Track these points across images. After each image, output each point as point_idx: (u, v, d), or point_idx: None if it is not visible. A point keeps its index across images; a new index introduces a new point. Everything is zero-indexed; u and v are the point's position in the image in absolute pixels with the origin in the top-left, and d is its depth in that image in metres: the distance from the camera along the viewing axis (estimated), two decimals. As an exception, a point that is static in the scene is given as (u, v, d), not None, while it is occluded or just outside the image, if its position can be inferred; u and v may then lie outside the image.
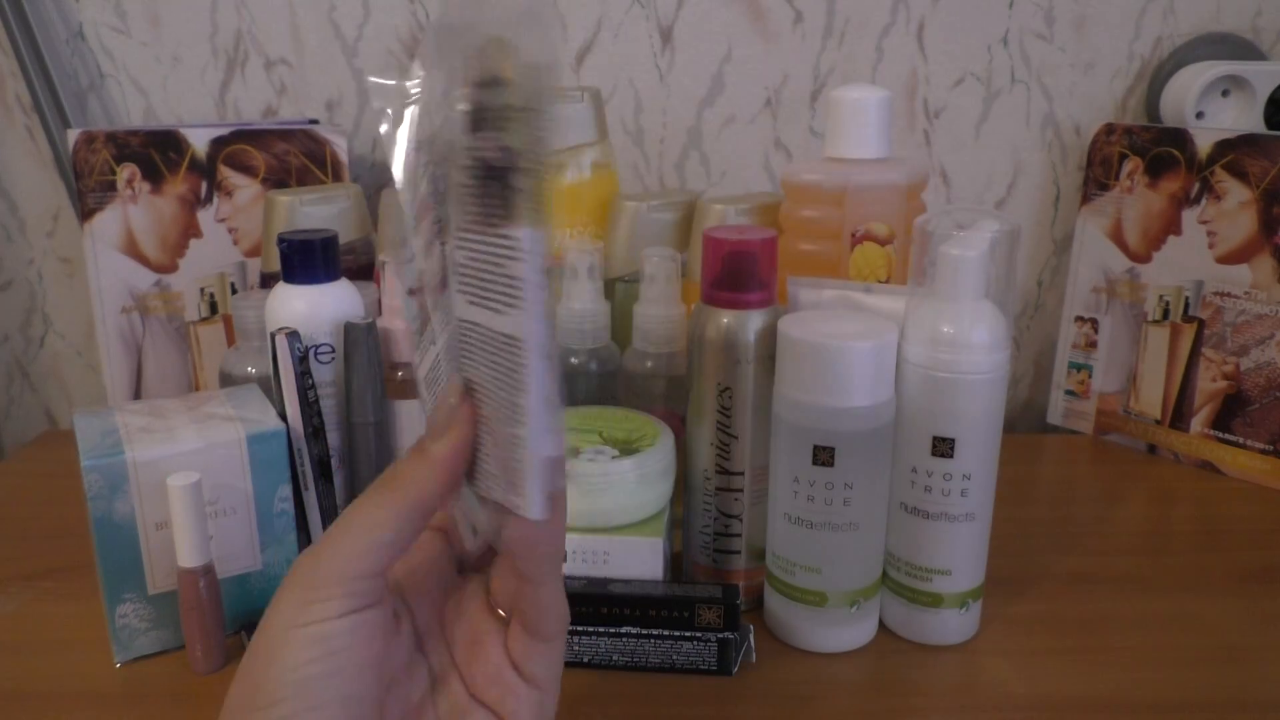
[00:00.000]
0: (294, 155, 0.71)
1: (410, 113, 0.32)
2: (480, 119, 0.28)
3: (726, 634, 0.47)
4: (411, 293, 0.33)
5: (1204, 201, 0.70)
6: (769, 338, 0.48)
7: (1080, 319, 0.78)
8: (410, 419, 0.54)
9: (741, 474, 0.51)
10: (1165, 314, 0.73)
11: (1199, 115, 0.74)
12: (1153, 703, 0.46)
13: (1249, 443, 0.69)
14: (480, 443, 0.31)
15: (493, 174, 0.28)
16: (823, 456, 0.46)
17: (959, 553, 0.48)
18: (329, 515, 0.51)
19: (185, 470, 0.45)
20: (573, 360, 0.56)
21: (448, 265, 0.31)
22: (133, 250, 0.71)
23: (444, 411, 0.31)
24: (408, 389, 0.54)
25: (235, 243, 0.72)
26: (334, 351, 0.52)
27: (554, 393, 0.29)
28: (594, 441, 0.51)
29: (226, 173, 0.71)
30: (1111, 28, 0.77)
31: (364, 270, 0.65)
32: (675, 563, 0.55)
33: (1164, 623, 0.52)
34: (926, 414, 0.47)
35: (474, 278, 0.29)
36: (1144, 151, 0.73)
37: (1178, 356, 0.72)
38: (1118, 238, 0.75)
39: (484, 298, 0.29)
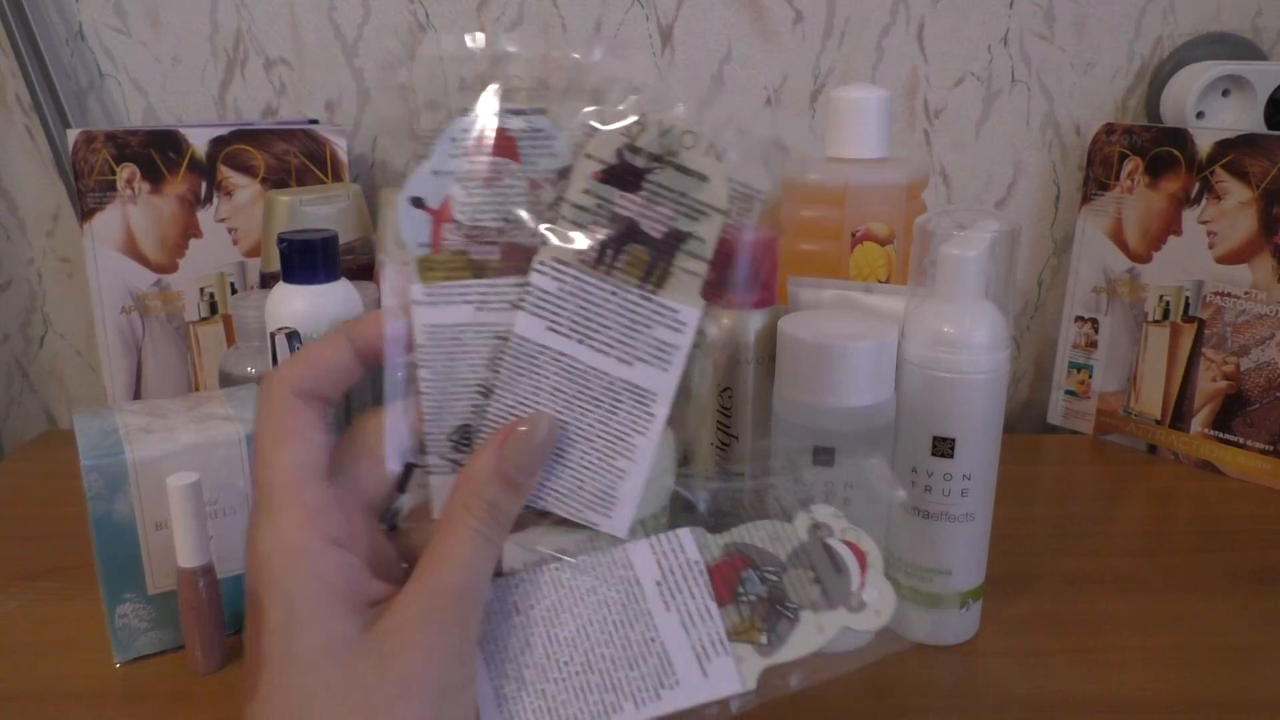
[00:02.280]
0: (294, 155, 0.71)
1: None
2: (676, 200, 0.32)
3: (727, 634, 0.47)
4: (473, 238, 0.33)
5: (1204, 201, 0.70)
6: (769, 338, 0.48)
7: (1080, 319, 0.78)
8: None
9: (741, 474, 0.50)
10: (1165, 314, 0.73)
11: (1199, 115, 0.74)
12: (1153, 703, 0.46)
13: (1249, 443, 0.69)
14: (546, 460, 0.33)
15: (662, 245, 0.32)
16: (823, 456, 0.46)
17: (959, 553, 0.48)
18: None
19: (185, 470, 0.45)
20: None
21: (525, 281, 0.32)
22: (132, 250, 0.71)
23: (539, 437, 0.32)
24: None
25: (235, 243, 0.72)
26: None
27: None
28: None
29: (226, 172, 0.71)
30: (1112, 28, 0.77)
31: (364, 270, 0.65)
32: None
33: (1164, 623, 0.52)
34: (926, 414, 0.47)
35: (585, 318, 0.32)
36: (1144, 151, 0.73)
37: (1178, 356, 0.72)
38: (1118, 238, 0.75)
39: (607, 344, 0.32)
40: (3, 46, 0.75)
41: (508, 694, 0.32)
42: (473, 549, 0.30)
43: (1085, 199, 0.77)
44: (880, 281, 0.57)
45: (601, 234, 0.32)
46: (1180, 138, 0.70)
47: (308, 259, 0.52)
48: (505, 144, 0.32)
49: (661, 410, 0.32)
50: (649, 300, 0.32)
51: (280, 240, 0.52)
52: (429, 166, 0.33)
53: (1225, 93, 0.75)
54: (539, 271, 0.32)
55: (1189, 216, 0.70)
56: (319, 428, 0.31)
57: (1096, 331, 0.77)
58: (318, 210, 0.63)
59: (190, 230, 0.71)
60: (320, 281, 0.52)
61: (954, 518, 0.48)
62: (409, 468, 0.33)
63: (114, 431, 0.47)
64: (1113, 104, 0.79)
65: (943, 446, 0.47)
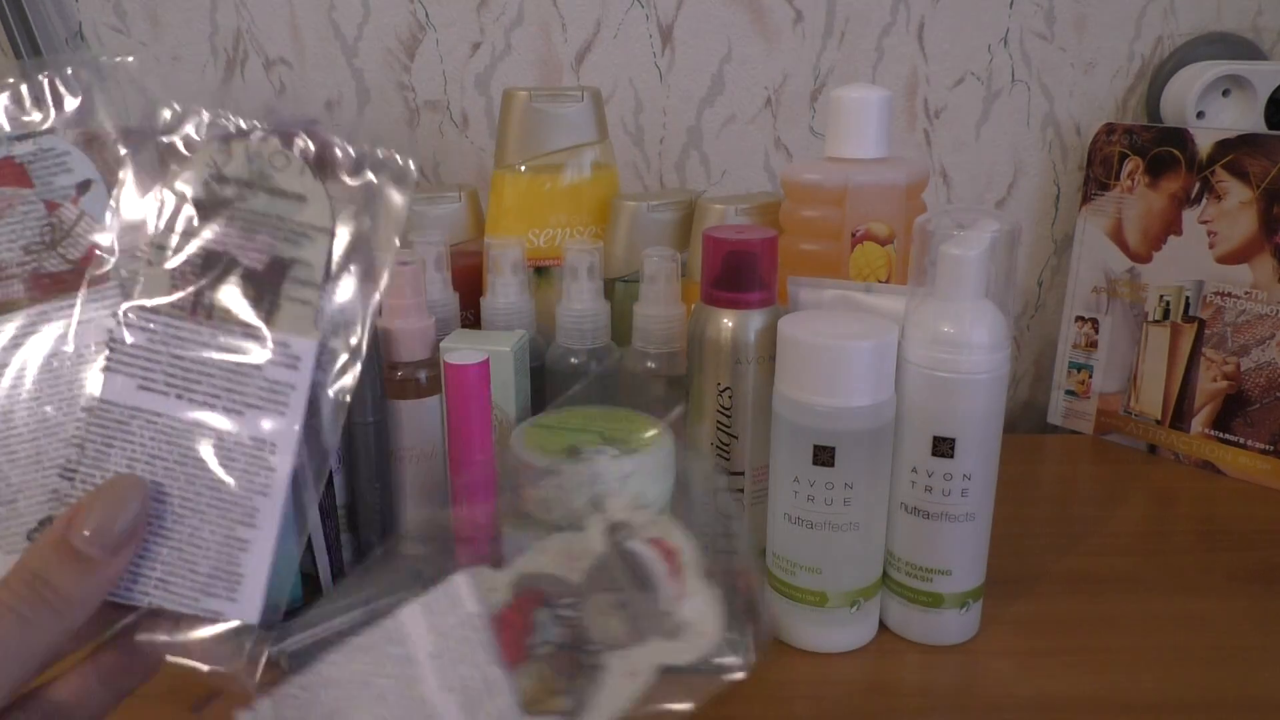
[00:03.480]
0: (293, 155, 0.71)
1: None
2: (274, 227, 0.28)
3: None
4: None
5: (1204, 201, 0.70)
6: (769, 338, 0.48)
7: (1080, 319, 0.78)
8: (410, 418, 0.54)
9: (741, 474, 0.50)
10: (1165, 314, 0.73)
11: (1199, 115, 0.74)
12: (1153, 703, 0.46)
13: (1249, 443, 0.69)
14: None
15: (265, 276, 0.28)
16: (823, 456, 0.46)
17: (959, 553, 0.48)
18: (327, 515, 0.51)
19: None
20: (573, 360, 0.56)
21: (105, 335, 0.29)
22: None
23: (118, 502, 0.27)
24: (408, 389, 0.54)
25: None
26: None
27: (310, 496, 0.28)
28: (594, 442, 0.51)
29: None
30: (1112, 27, 0.77)
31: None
32: (675, 563, 0.55)
33: (1164, 623, 0.52)
34: (927, 414, 0.47)
35: (183, 369, 0.28)
36: (1144, 151, 0.73)
37: (1178, 356, 0.72)
38: (1118, 238, 0.75)
39: (211, 395, 0.28)
40: (3, 46, 0.75)
41: None
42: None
43: (1085, 199, 0.77)
44: (880, 281, 0.57)
45: (194, 273, 0.29)
46: (1180, 138, 0.70)
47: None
48: (12, 172, 0.29)
49: (284, 461, 0.28)
50: (255, 338, 0.28)
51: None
52: None
53: (1225, 93, 0.74)
54: (123, 325, 0.28)
55: (1189, 216, 0.70)
56: None
57: (1096, 331, 0.77)
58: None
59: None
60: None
61: (954, 518, 0.48)
62: None
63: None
64: (1113, 104, 0.79)
65: (943, 446, 0.47)
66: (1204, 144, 0.69)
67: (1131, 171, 0.73)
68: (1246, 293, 0.68)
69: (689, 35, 0.76)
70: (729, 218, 0.60)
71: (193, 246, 0.29)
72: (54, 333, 0.29)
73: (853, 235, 0.56)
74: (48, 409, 0.28)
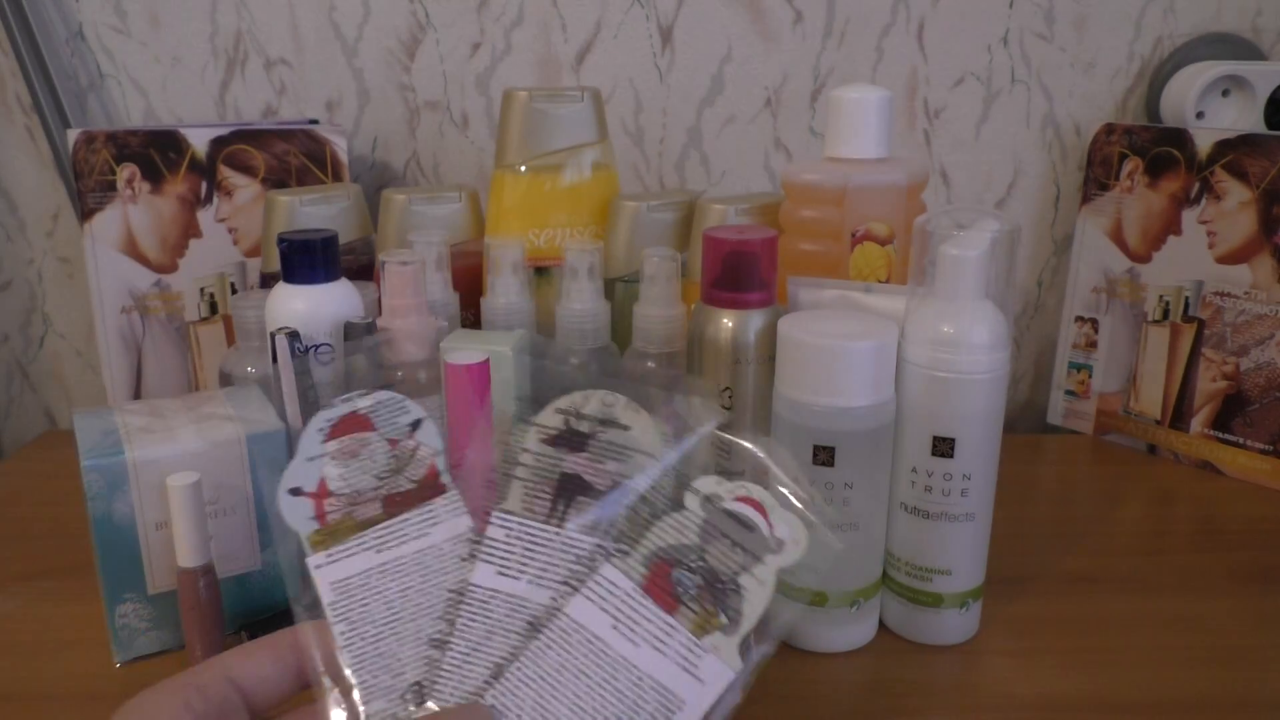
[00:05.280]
0: (294, 155, 0.71)
1: None
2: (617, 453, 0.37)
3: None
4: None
5: (1204, 201, 0.70)
6: (769, 338, 0.48)
7: (1080, 319, 0.78)
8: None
9: (742, 474, 0.50)
10: (1165, 314, 0.73)
11: (1199, 115, 0.74)
12: (1153, 703, 0.46)
13: (1249, 443, 0.69)
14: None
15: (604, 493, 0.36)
16: (823, 456, 0.46)
17: (959, 552, 0.48)
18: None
19: (185, 470, 0.45)
20: (573, 360, 0.56)
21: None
22: (132, 250, 0.71)
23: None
24: (407, 389, 0.54)
25: (235, 243, 0.72)
26: (334, 351, 0.52)
27: None
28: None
29: (226, 173, 0.71)
30: (1111, 28, 0.77)
31: (364, 270, 0.65)
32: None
33: (1164, 623, 0.52)
34: (926, 414, 0.47)
35: (533, 559, 0.35)
36: (1144, 151, 0.73)
37: (1178, 356, 0.72)
38: (1118, 238, 0.75)
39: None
40: (3, 46, 0.75)
41: None
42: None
43: (1085, 199, 0.77)
44: (880, 281, 0.57)
45: (548, 490, 0.36)
46: (1180, 138, 0.70)
47: (307, 259, 0.52)
48: (359, 422, 0.38)
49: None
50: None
51: (280, 240, 0.52)
52: (300, 457, 0.37)
53: (1225, 93, 0.75)
54: (494, 524, 0.36)
55: (1189, 216, 0.71)
56: None
57: (1096, 331, 0.77)
58: (318, 210, 0.63)
59: (191, 230, 0.71)
60: (320, 281, 0.52)
61: (954, 518, 0.48)
62: None
63: (114, 431, 0.47)
64: (1113, 104, 0.79)
65: (943, 446, 0.47)
66: (1204, 144, 0.69)
67: (1131, 171, 0.73)
68: (1246, 293, 0.68)
69: (689, 35, 0.76)
70: (729, 218, 0.60)
71: (550, 468, 0.37)
72: (416, 535, 0.36)
73: (853, 235, 0.56)
74: (419, 592, 0.35)
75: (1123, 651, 0.50)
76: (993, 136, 0.79)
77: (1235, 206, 0.68)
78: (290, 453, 0.50)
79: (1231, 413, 0.70)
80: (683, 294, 0.57)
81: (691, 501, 0.35)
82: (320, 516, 0.36)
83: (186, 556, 0.45)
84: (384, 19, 0.76)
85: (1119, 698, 0.46)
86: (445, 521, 0.36)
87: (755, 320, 0.49)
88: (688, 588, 0.34)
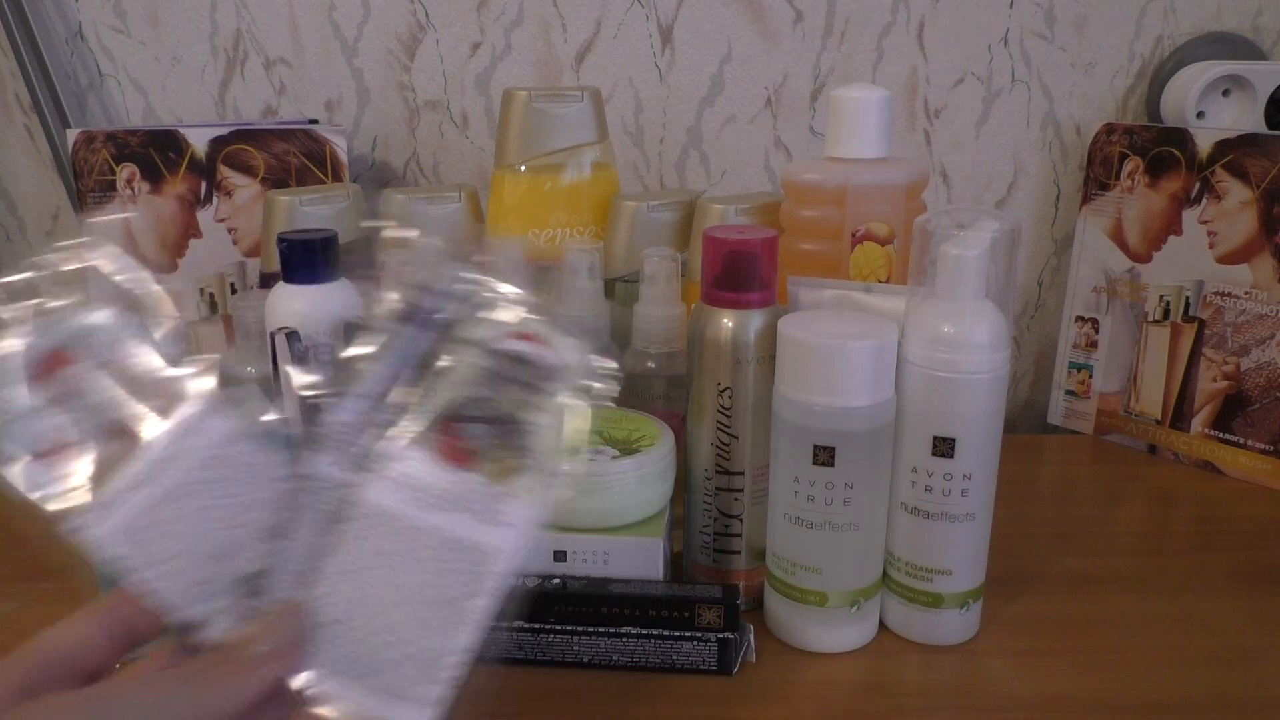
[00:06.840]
0: (294, 155, 0.71)
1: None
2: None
3: (727, 634, 0.47)
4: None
5: (1204, 201, 0.70)
6: (769, 338, 0.48)
7: (1080, 319, 0.78)
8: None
9: (741, 474, 0.50)
10: (1166, 314, 0.73)
11: (1199, 115, 0.74)
12: (1153, 703, 0.46)
13: (1249, 443, 0.69)
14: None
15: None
16: (823, 456, 0.46)
17: (959, 553, 0.48)
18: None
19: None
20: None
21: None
22: (132, 250, 0.71)
23: (287, 624, 0.30)
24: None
25: (235, 243, 0.72)
26: (334, 351, 0.52)
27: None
28: (594, 442, 0.51)
29: (226, 172, 0.71)
30: (1112, 27, 0.77)
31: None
32: (675, 563, 0.55)
33: (1164, 623, 0.52)
34: (927, 414, 0.47)
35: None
36: (1144, 151, 0.73)
37: (1178, 356, 0.72)
38: (1118, 238, 0.75)
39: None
40: (3, 46, 0.75)
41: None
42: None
43: (1085, 199, 0.77)
44: (880, 281, 0.57)
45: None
46: (1180, 138, 0.70)
47: (307, 259, 0.52)
48: (59, 359, 0.33)
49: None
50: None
51: (280, 240, 0.52)
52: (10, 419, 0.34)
53: (1225, 92, 0.74)
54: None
55: (1189, 216, 0.70)
56: None
57: (1097, 331, 0.77)
58: (318, 210, 0.63)
59: (190, 230, 0.71)
60: (320, 281, 0.52)
61: (954, 518, 0.48)
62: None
63: (113, 431, 0.47)
64: (1113, 104, 0.79)
65: (943, 446, 0.47)
66: (1204, 144, 0.69)
67: (1131, 171, 0.73)
68: (1246, 293, 0.68)
69: (689, 35, 0.76)
70: (729, 218, 0.60)
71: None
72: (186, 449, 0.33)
73: (853, 235, 0.56)
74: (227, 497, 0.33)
75: (1123, 651, 0.49)
76: (993, 136, 0.79)
77: (1236, 206, 0.68)
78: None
79: (1232, 413, 0.70)
80: (683, 294, 0.57)
81: (463, 353, 0.33)
82: (65, 476, 0.33)
83: (186, 556, 0.45)
84: (384, 19, 0.76)
85: (1119, 698, 0.46)
86: (211, 421, 0.33)
87: (755, 320, 0.49)
88: (478, 438, 0.32)
